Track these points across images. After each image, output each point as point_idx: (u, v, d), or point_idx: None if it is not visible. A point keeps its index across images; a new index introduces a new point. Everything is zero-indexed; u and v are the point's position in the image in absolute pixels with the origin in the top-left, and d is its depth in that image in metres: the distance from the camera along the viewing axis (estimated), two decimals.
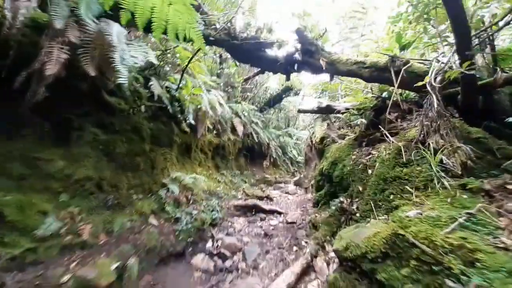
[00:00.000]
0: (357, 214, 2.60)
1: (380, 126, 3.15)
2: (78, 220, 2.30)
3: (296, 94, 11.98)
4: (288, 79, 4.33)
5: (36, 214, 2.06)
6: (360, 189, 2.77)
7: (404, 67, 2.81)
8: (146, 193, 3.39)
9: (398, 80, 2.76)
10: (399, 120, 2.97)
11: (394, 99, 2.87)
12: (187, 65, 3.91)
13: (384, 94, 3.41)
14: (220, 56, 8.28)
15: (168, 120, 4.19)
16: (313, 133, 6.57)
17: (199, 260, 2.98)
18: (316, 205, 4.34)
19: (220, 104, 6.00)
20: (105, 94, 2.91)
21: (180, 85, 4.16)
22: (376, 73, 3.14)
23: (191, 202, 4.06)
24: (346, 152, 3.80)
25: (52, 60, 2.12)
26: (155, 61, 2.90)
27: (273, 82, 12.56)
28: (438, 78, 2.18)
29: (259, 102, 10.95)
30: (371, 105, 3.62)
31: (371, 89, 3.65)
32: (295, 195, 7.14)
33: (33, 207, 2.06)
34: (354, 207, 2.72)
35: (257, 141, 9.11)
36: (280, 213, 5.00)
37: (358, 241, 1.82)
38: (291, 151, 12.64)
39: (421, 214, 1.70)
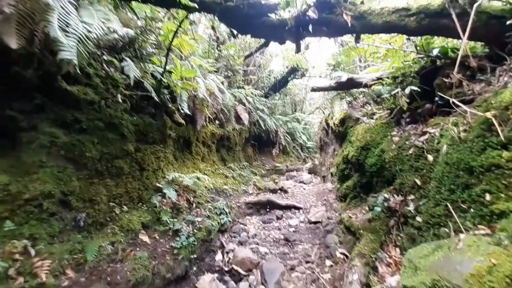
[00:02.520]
0: (418, 219, 1.85)
1: (436, 94, 2.32)
2: (33, 255, 1.67)
3: (303, 75, 10.97)
4: (298, 50, 3.45)
5: None
6: (418, 182, 2.00)
7: (475, 6, 1.94)
8: (135, 202, 2.74)
9: (469, 26, 1.90)
10: (465, 83, 2.13)
11: (460, 54, 2.02)
12: (172, 40, 3.11)
13: (435, 52, 2.54)
14: (217, 39, 7.39)
15: (157, 111, 3.46)
16: (328, 114, 5.73)
17: (207, 282, 2.35)
18: (343, 199, 3.61)
19: (220, 90, 5.21)
20: (62, 82, 2.19)
21: (167, 67, 3.39)
22: (428, 21, 2.27)
23: (193, 206, 3.41)
24: (382, 133, 3.00)
25: None
26: (120, 30, 2.13)
27: (277, 64, 11.57)
28: None
29: (263, 87, 10.04)
30: (415, 69, 2.76)
31: (416, 46, 2.76)
32: (311, 184, 6.43)
33: None
34: (411, 207, 1.96)
35: (264, 128, 8.36)
36: (298, 208, 4.32)
37: (456, 279, 1.08)
38: (300, 136, 11.88)
39: None
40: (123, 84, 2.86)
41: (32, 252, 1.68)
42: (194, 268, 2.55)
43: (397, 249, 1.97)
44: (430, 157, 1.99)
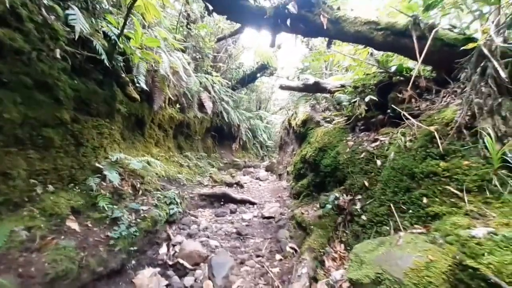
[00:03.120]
0: (363, 217, 2.00)
1: (389, 106, 2.55)
2: None
3: (272, 74, 11.12)
4: (273, 44, 3.43)
5: None
6: (366, 183, 2.16)
7: (432, 32, 2.18)
8: (65, 182, 2.29)
9: (426, 49, 2.13)
10: (413, 100, 2.39)
11: (414, 74, 2.26)
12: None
13: (393, 69, 2.79)
14: (188, 16, 6.85)
15: (106, 79, 2.98)
16: (292, 115, 5.91)
17: (146, 277, 2.11)
18: (297, 196, 3.75)
19: (186, 70, 4.84)
20: None
21: (125, 30, 2.93)
22: (392, 38, 2.47)
23: (139, 193, 3.06)
24: (338, 137, 3.18)
25: None
26: None
27: (247, 58, 11.44)
28: (499, 39, 1.56)
29: (231, 78, 9.78)
30: (374, 82, 3.00)
31: (378, 61, 3.00)
32: (267, 181, 6.56)
33: None
34: (358, 206, 2.12)
35: (227, 121, 8.17)
36: (253, 203, 4.33)
37: (397, 273, 1.16)
38: (261, 134, 12.07)
39: (496, 235, 1.11)
40: (65, 38, 2.36)
41: None
42: (133, 262, 2.27)
43: (342, 245, 2.11)
44: (379, 162, 2.18)
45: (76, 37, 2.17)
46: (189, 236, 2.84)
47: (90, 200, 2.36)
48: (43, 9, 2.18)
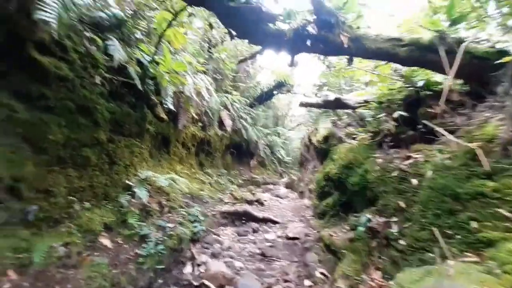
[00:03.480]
0: (402, 242, 1.85)
1: (420, 122, 2.44)
2: None
3: (289, 91, 11.28)
4: (292, 63, 3.50)
5: None
6: (402, 205, 2.03)
7: (462, 46, 2.12)
8: (99, 199, 2.40)
9: (456, 64, 2.06)
10: (446, 115, 2.28)
11: (446, 88, 2.17)
12: (166, 29, 2.94)
13: (420, 83, 2.71)
14: (209, 41, 7.30)
15: (138, 102, 3.19)
16: (312, 131, 5.86)
17: None
18: (322, 216, 3.59)
19: (208, 91, 5.06)
20: (32, 50, 1.88)
21: (156, 57, 3.18)
22: (417, 54, 2.42)
23: (165, 210, 3.11)
24: (364, 154, 3.07)
25: None
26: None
27: (264, 77, 11.76)
28: None
29: (248, 96, 10.04)
30: (400, 97, 2.92)
31: (402, 75, 2.94)
32: (287, 199, 6.41)
33: None
34: (395, 230, 1.97)
35: (245, 138, 8.28)
36: (275, 222, 4.21)
37: None
38: (279, 150, 12.02)
39: None
40: (104, 66, 2.59)
41: None
42: (159, 281, 2.25)
43: (379, 272, 1.94)
44: (415, 181, 2.04)
45: (116, 65, 2.39)
46: (213, 255, 2.79)
47: (120, 216, 2.44)
48: (85, 41, 2.44)
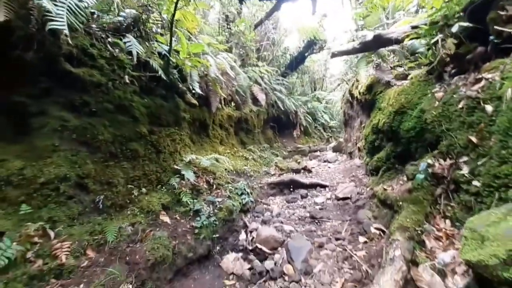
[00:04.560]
0: (476, 183, 1.50)
1: (492, 31, 1.84)
2: (52, 237, 1.67)
3: (322, 48, 10.19)
4: (314, 10, 3.07)
5: None
6: (474, 140, 1.62)
7: None
8: (154, 184, 2.70)
9: None
10: None
11: None
12: (174, 11, 2.89)
13: None
14: (227, 18, 7.02)
15: (168, 92, 3.34)
16: (352, 84, 5.22)
17: (230, 261, 2.26)
18: (375, 172, 3.26)
19: (232, 68, 4.97)
20: (65, 63, 2.11)
21: (174, 47, 3.20)
22: None
23: (213, 187, 3.32)
24: (419, 92, 2.56)
25: None
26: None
27: (292, 41, 10.86)
28: None
29: (278, 66, 9.52)
30: (461, 7, 2.24)
31: None
32: (336, 162, 6.07)
33: None
34: (465, 171, 1.61)
35: (283, 109, 8.03)
36: (324, 186, 4.05)
37: None
38: (322, 116, 11.33)
39: None
40: (130, 65, 2.75)
41: (52, 234, 1.68)
42: (218, 248, 2.47)
43: (447, 221, 1.66)
44: (489, 108, 1.59)
45: (135, 60, 2.50)
46: (264, 222, 2.89)
47: (175, 197, 2.71)
48: (108, 46, 2.61)
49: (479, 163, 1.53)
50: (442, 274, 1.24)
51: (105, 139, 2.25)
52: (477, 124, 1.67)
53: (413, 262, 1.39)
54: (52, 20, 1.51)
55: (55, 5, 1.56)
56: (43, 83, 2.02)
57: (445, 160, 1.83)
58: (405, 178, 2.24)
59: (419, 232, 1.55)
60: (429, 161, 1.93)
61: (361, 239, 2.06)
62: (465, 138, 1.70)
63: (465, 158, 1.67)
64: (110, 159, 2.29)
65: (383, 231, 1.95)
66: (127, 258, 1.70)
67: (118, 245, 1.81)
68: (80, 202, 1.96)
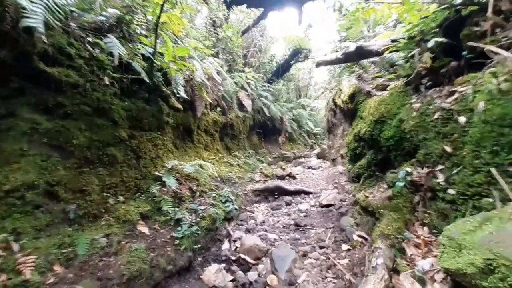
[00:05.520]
0: (451, 191, 1.57)
1: (465, 46, 1.98)
2: (16, 250, 1.51)
3: (306, 57, 10.49)
4: (300, 20, 3.16)
5: None
6: (448, 149, 1.70)
7: None
8: (132, 192, 2.56)
9: None
10: (498, 29, 1.78)
11: None
12: (160, 13, 2.83)
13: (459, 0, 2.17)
14: (214, 23, 7.02)
15: (151, 95, 3.24)
16: (336, 93, 5.38)
17: (212, 273, 2.17)
18: (357, 179, 3.34)
19: (220, 74, 4.94)
20: (39, 63, 1.97)
21: (159, 49, 3.13)
22: None
23: (196, 195, 3.22)
24: (398, 103, 2.68)
25: None
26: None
27: (278, 48, 11.07)
28: None
29: (265, 73, 9.63)
30: (436, 24, 2.40)
31: None
32: (320, 169, 6.19)
33: None
34: (441, 179, 1.68)
35: (268, 116, 8.09)
36: (308, 193, 4.09)
37: None
38: (306, 123, 11.58)
39: None
40: (111, 67, 2.63)
41: (15, 247, 1.52)
42: (199, 259, 2.38)
43: (425, 228, 1.72)
44: (462, 119, 1.69)
45: (116, 62, 2.39)
46: (248, 231, 2.84)
47: (155, 205, 2.59)
48: (88, 45, 2.48)
49: (453, 172, 1.61)
50: (422, 281, 1.27)
51: (80, 144, 2.11)
52: (451, 134, 1.77)
53: (394, 270, 1.41)
54: (28, 17, 1.40)
55: (32, 1, 1.46)
56: (15, 82, 1.87)
57: (422, 169, 1.91)
58: (385, 186, 2.31)
59: (399, 239, 1.59)
60: (408, 169, 2.01)
61: (344, 246, 2.07)
62: (440, 147, 1.79)
63: (440, 167, 1.75)
64: (84, 165, 2.14)
65: (366, 239, 1.99)
66: (99, 274, 1.58)
67: (90, 259, 1.68)
68: (49, 212, 1.80)
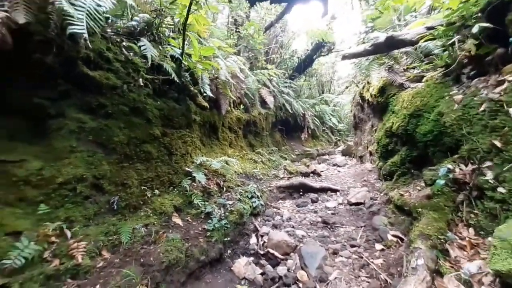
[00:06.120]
0: (501, 190, 1.44)
1: (509, 33, 1.78)
2: (69, 237, 1.69)
3: (330, 50, 10.15)
4: (326, 12, 3.11)
5: (4, 237, 1.47)
6: (498, 144, 1.56)
7: None
8: (166, 186, 2.71)
9: None
10: None
11: None
12: (187, 15, 2.93)
13: None
14: (235, 21, 7.08)
15: (180, 95, 3.37)
16: (363, 87, 5.15)
17: (242, 266, 2.23)
18: (389, 177, 3.18)
19: (242, 70, 4.99)
20: (83, 67, 2.15)
21: (186, 50, 3.24)
22: None
23: (224, 190, 3.31)
24: (436, 95, 2.50)
25: None
26: (131, 1, 2.01)
27: (300, 43, 10.84)
28: None
29: (286, 69, 9.51)
30: (478, 8, 2.18)
31: None
32: (346, 166, 5.99)
33: None
34: (489, 177, 1.54)
35: (291, 112, 7.99)
36: (334, 190, 3.99)
37: None
38: (329, 119, 11.23)
39: None
40: (144, 68, 2.79)
41: (68, 234, 1.70)
42: (229, 251, 2.45)
43: (471, 229, 1.59)
44: None
45: (149, 64, 2.53)
46: (275, 226, 2.86)
47: (186, 199, 2.71)
48: (123, 49, 2.65)
49: (504, 168, 1.47)
50: (468, 284, 1.18)
51: (120, 141, 2.28)
52: (500, 128, 1.61)
53: (436, 272, 1.33)
54: (72, 24, 1.54)
55: (76, 9, 1.60)
56: (62, 86, 2.06)
57: (466, 166, 1.77)
58: (422, 184, 2.18)
59: (442, 240, 1.49)
60: (449, 166, 1.87)
61: (378, 246, 2.00)
62: (488, 142, 1.64)
63: (488, 164, 1.61)
64: (124, 161, 2.31)
65: (401, 239, 1.89)
66: (142, 260, 1.70)
67: (132, 246, 1.82)
68: (96, 202, 1.98)
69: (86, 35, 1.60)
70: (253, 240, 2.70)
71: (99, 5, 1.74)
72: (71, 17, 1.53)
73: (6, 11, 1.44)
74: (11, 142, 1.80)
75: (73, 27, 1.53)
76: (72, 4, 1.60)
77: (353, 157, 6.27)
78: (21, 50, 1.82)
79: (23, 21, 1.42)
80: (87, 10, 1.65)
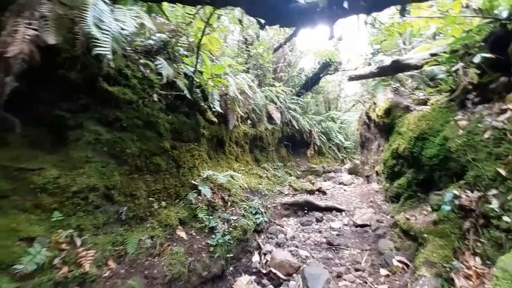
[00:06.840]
0: (506, 219, 1.43)
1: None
2: (78, 245, 1.74)
3: (336, 70, 10.38)
4: (332, 35, 3.18)
5: (18, 242, 1.54)
6: (502, 172, 1.56)
7: None
8: (172, 198, 2.76)
9: None
10: None
11: None
12: (202, 37, 3.13)
13: (504, 14, 2.04)
14: (246, 41, 7.42)
15: (191, 110, 3.51)
16: (369, 106, 5.22)
17: (244, 284, 2.21)
18: (395, 199, 3.15)
19: (251, 88, 5.16)
20: (103, 83, 2.32)
21: (198, 68, 3.43)
22: None
23: (228, 204, 3.33)
24: (441, 119, 2.53)
25: (16, 40, 1.54)
26: (151, 25, 2.18)
27: (307, 62, 11.14)
28: None
29: (294, 86, 9.73)
30: (481, 37, 2.27)
31: (480, 9, 2.27)
32: (352, 185, 5.92)
33: (13, 233, 1.54)
34: (495, 205, 1.54)
35: (297, 128, 8.06)
36: (340, 210, 3.94)
37: None
38: (336, 136, 11.22)
39: None
40: (158, 85, 2.95)
41: (78, 242, 1.75)
42: (231, 268, 2.44)
43: (477, 258, 1.56)
44: None
45: (164, 81, 2.69)
46: (278, 245, 2.83)
47: (191, 212, 2.75)
48: (141, 67, 2.84)
49: (509, 197, 1.47)
50: None
51: (132, 153, 2.38)
52: (504, 155, 1.63)
53: None
54: (98, 46, 1.69)
55: (102, 33, 1.76)
56: (82, 99, 2.21)
57: (472, 192, 1.77)
58: (429, 208, 2.16)
59: (447, 268, 1.47)
60: (455, 191, 1.87)
61: (383, 271, 1.96)
62: (493, 170, 1.65)
63: (494, 191, 1.61)
64: (135, 172, 2.40)
65: (407, 265, 1.86)
66: (146, 272, 1.73)
67: (138, 258, 1.85)
68: (105, 212, 2.04)
69: (110, 56, 1.74)
70: (255, 258, 2.68)
71: (123, 29, 1.90)
72: (97, 39, 1.68)
73: (35, 29, 1.60)
74: (33, 151, 1.92)
75: (98, 48, 1.68)
76: (98, 27, 1.76)
77: (360, 176, 6.21)
78: (47, 66, 1.99)
79: (53, 42, 1.57)
80: (112, 34, 1.81)
